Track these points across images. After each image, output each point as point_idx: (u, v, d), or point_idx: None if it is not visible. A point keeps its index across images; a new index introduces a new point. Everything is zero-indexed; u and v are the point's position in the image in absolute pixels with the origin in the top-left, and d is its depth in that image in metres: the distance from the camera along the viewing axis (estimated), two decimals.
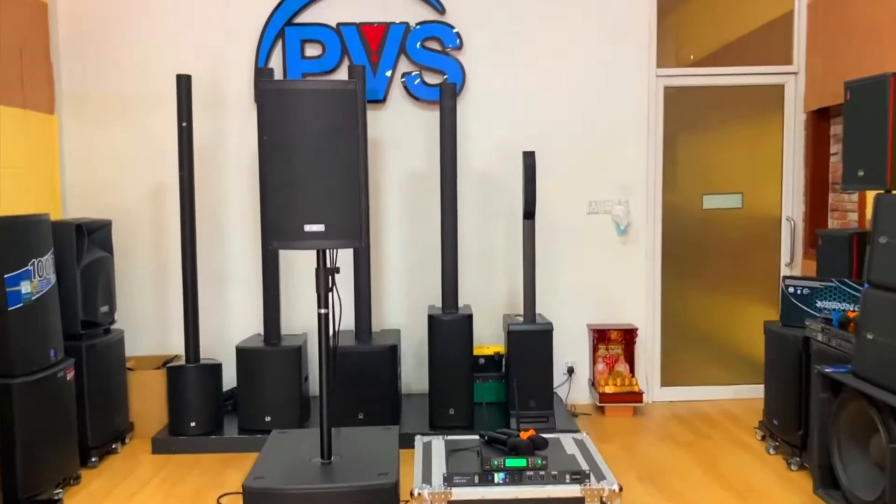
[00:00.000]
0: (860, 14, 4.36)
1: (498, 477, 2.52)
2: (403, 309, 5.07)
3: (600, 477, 2.57)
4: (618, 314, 5.13)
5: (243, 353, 4.38)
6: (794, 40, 5.05)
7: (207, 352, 4.86)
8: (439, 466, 2.70)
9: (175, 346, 5.00)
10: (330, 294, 2.65)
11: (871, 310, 3.06)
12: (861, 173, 3.48)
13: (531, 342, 4.40)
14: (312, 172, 2.43)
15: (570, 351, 5.13)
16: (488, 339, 5.05)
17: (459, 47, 4.91)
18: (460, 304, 4.81)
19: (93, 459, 4.06)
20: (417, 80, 4.91)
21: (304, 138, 2.41)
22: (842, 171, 3.63)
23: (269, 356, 4.36)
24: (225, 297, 5.02)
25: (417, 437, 3.02)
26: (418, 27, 4.88)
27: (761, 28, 5.08)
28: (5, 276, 3.34)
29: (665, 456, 4.15)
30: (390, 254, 5.05)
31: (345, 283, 4.91)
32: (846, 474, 3.18)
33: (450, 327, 4.36)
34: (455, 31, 4.89)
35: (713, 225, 5.17)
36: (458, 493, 2.49)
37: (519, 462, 2.52)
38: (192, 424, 4.32)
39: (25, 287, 3.43)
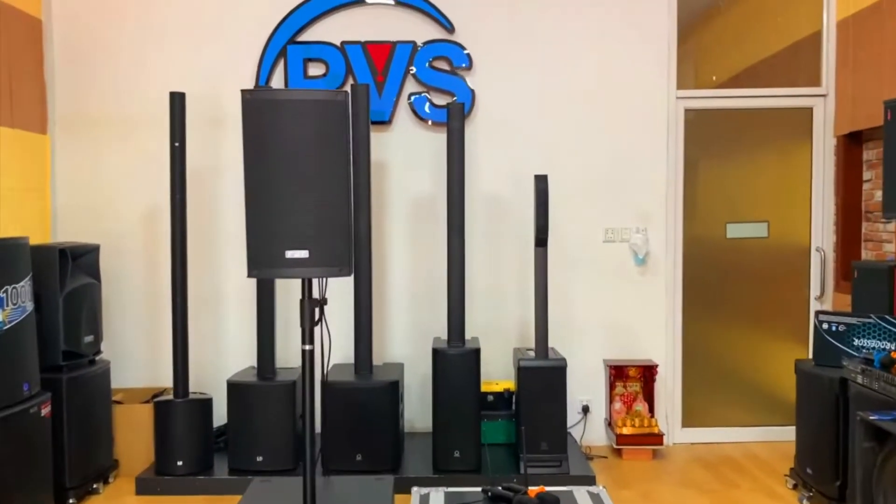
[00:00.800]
0: (894, 32, 4.09)
1: None
2: (407, 340, 4.79)
3: None
4: (636, 349, 4.82)
5: (235, 388, 4.11)
6: (823, 61, 4.79)
7: (199, 385, 4.61)
8: None
9: (166, 377, 4.73)
10: (318, 327, 2.37)
11: None
12: None
13: (543, 379, 4.09)
14: (296, 193, 2.17)
15: (586, 388, 4.81)
16: (497, 374, 4.75)
17: (469, 67, 4.69)
18: (468, 335, 4.52)
19: (70, 502, 3.78)
20: (426, 103, 4.68)
21: (289, 154, 2.16)
22: (882, 197, 3.33)
23: (261, 392, 4.08)
24: (218, 326, 4.76)
25: (414, 489, 2.72)
26: (426, 46, 4.66)
27: (787, 49, 4.83)
28: None
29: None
30: (394, 282, 4.78)
31: (344, 313, 4.65)
32: None
33: (456, 362, 4.07)
34: (464, 50, 4.67)
35: (737, 255, 4.86)
36: None
37: None
38: (180, 463, 4.04)
39: None
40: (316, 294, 2.38)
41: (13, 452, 3.24)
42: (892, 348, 3.46)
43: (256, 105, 2.13)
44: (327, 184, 2.17)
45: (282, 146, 2.15)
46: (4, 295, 3.23)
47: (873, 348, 3.57)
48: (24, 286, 3.38)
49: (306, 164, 2.15)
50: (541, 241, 4.11)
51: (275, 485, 2.67)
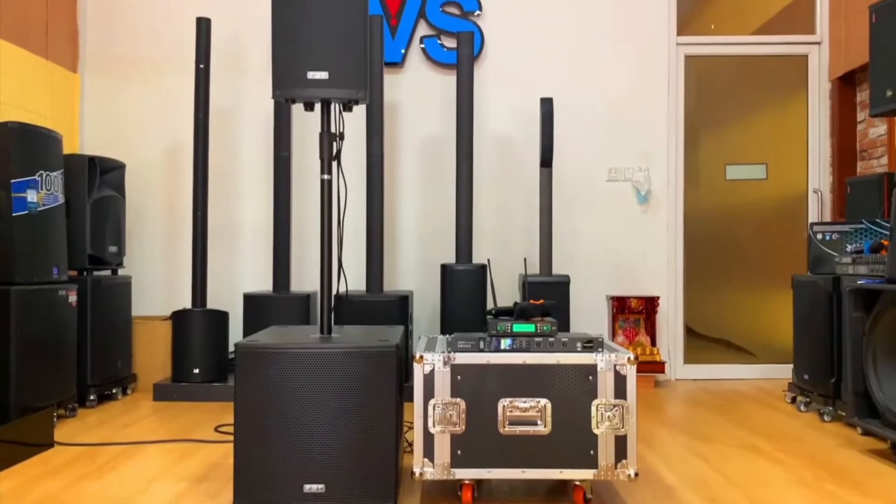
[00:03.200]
0: None
1: (504, 343, 2.36)
2: (417, 273, 4.95)
3: (612, 349, 2.40)
4: (638, 286, 4.95)
5: (251, 300, 4.27)
6: (817, 10, 5.01)
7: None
8: (443, 343, 2.55)
9: (183, 305, 4.90)
10: (333, 163, 2.55)
11: None
12: (889, 93, 3.36)
13: (548, 295, 4.24)
14: (317, 21, 2.38)
15: (589, 323, 4.94)
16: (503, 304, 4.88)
17: (479, 12, 4.93)
18: None
19: (91, 398, 3.93)
20: (437, 45, 4.91)
21: None
22: (869, 96, 3.51)
23: (276, 303, 4.24)
24: (236, 256, 4.94)
25: (421, 335, 2.87)
26: None
27: (785, 9, 5.04)
28: (12, 181, 3.31)
29: (692, 414, 3.92)
30: (405, 218, 4.96)
31: (357, 244, 4.84)
32: (882, 392, 2.95)
33: (463, 277, 4.22)
34: None
35: (737, 196, 5.03)
36: (462, 358, 2.33)
37: (527, 327, 2.36)
38: (196, 371, 4.19)
39: (31, 196, 3.39)
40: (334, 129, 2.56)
41: (42, 329, 3.40)
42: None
43: None
44: (345, 12, 2.38)
45: None
46: (39, 178, 3.44)
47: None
48: (57, 177, 3.58)
49: None
50: (546, 160, 4.30)
51: (292, 328, 2.82)
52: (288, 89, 2.40)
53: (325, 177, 2.54)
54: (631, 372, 2.31)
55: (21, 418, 3.00)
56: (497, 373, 2.31)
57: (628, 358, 2.31)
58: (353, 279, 4.88)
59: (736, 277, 5.02)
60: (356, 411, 2.31)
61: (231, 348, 4.66)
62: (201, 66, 4.25)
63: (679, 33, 5.00)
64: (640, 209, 4.96)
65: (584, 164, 4.95)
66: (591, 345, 2.35)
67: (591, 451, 2.30)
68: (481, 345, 2.36)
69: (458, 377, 2.31)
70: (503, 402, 2.31)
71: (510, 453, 2.30)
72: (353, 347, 2.32)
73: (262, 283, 4.91)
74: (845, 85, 4.86)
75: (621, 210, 4.95)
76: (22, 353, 3.26)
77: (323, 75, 2.38)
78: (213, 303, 4.88)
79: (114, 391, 4.16)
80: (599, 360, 2.31)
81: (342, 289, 4.51)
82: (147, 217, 4.93)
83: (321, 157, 2.53)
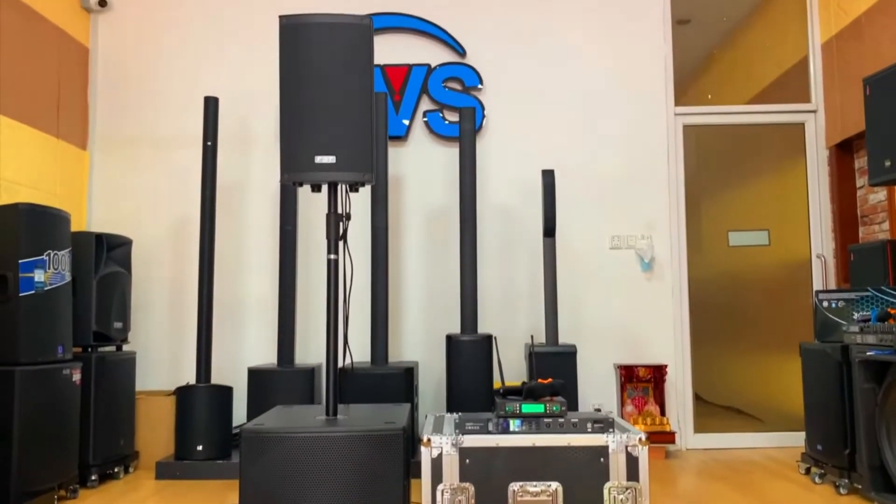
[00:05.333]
0: (873, 46, 4.43)
1: (514, 424, 2.33)
2: (421, 344, 4.93)
3: (623, 429, 2.37)
4: (645, 354, 4.92)
5: (255, 375, 4.24)
6: (811, 80, 5.12)
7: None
8: (451, 423, 2.52)
9: (187, 380, 4.87)
10: (340, 243, 2.58)
11: None
12: (888, 163, 3.41)
13: (555, 366, 4.21)
14: (324, 105, 2.43)
15: (597, 393, 4.89)
16: (510, 378, 4.85)
17: (480, 87, 5.04)
18: None
19: (93, 478, 3.87)
20: (440, 119, 5.01)
21: (318, 70, 2.44)
22: (868, 165, 3.55)
23: (281, 378, 4.21)
24: (240, 330, 4.92)
25: (428, 413, 2.83)
26: (440, 68, 5.03)
27: (779, 78, 5.16)
28: (20, 261, 3.33)
29: (706, 489, 3.84)
30: (409, 289, 4.96)
31: (361, 315, 4.84)
32: None
33: (469, 349, 4.20)
34: (476, 71, 5.04)
35: (741, 262, 5.04)
36: (471, 441, 2.30)
37: (536, 408, 2.34)
38: (199, 448, 4.13)
39: (39, 276, 3.41)
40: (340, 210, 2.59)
41: (45, 410, 3.37)
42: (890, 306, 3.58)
43: (291, 27, 2.43)
44: (352, 98, 2.43)
45: (312, 63, 2.43)
46: (47, 258, 3.46)
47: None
48: (65, 256, 3.60)
49: (333, 79, 2.42)
50: (549, 231, 4.33)
51: (296, 408, 2.80)
52: (296, 173, 2.44)
53: (332, 256, 2.55)
54: (643, 453, 2.27)
55: (22, 503, 2.95)
56: (507, 455, 2.28)
57: (640, 438, 2.28)
58: (357, 350, 4.85)
59: (743, 344, 4.99)
60: (362, 495, 2.27)
61: (235, 424, 4.61)
62: (209, 143, 4.33)
63: (677, 103, 5.09)
64: (645, 277, 4.96)
65: (587, 233, 4.98)
66: (602, 425, 2.32)
67: None
68: (490, 426, 2.33)
69: (467, 461, 2.28)
70: (513, 487, 2.26)
71: None
72: (359, 431, 2.29)
73: (267, 356, 4.89)
74: (843, 152, 4.93)
75: (626, 278, 4.96)
76: (24, 435, 3.23)
77: (330, 159, 2.42)
78: (217, 377, 4.85)
79: (115, 470, 4.09)
80: (610, 441, 2.28)
81: (347, 362, 4.48)
82: (153, 292, 4.94)
83: (328, 237, 2.55)
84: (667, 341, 4.92)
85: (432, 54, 5.07)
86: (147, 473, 4.25)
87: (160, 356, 4.90)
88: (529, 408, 2.34)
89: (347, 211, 2.60)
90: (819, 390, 3.82)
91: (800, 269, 5.02)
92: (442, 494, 2.27)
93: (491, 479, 2.27)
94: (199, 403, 4.15)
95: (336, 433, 2.29)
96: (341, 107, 2.44)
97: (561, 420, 2.32)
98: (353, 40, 2.43)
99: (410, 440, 2.74)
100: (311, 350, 4.89)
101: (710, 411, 4.96)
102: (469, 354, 4.20)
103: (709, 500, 3.52)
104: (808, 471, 4.02)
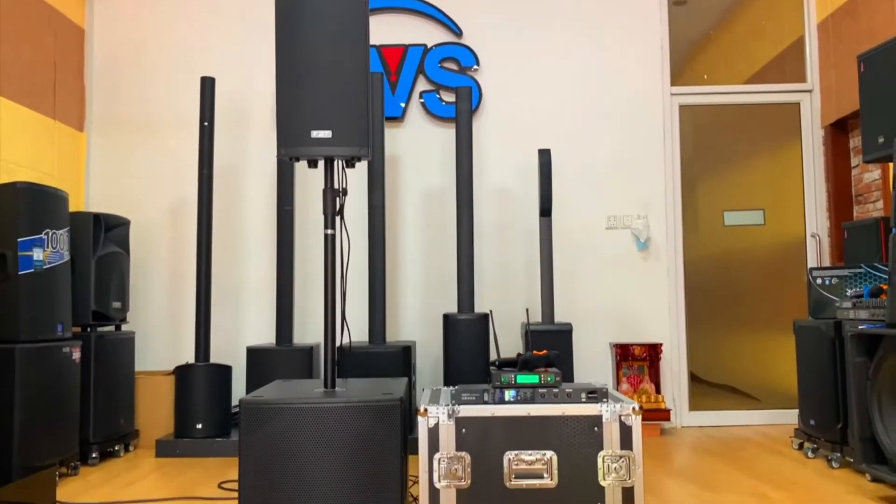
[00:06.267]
0: (868, 24, 4.43)
1: (509, 394, 2.36)
2: (419, 325, 4.96)
3: (617, 399, 2.41)
4: (641, 333, 4.96)
5: (254, 354, 4.27)
6: (807, 60, 5.12)
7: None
8: (447, 395, 2.55)
9: (186, 361, 4.91)
10: (336, 218, 2.60)
11: None
12: (881, 140, 3.43)
13: (551, 344, 4.24)
14: (320, 79, 2.45)
15: (593, 371, 4.93)
16: (506, 356, 4.88)
17: (476, 67, 5.05)
18: None
19: (93, 456, 3.91)
20: (436, 100, 5.01)
21: (313, 45, 2.45)
22: (861, 142, 3.57)
23: (280, 356, 4.25)
24: (239, 310, 4.95)
25: (424, 387, 2.87)
26: (436, 48, 5.04)
27: (776, 58, 5.17)
28: (18, 239, 3.35)
29: (699, 463, 3.89)
30: (406, 270, 4.99)
31: (359, 295, 4.86)
32: (889, 438, 2.94)
33: (466, 327, 4.23)
34: (472, 51, 5.04)
35: (736, 242, 5.07)
36: (467, 410, 2.33)
37: (531, 378, 2.37)
38: (199, 426, 4.16)
39: (38, 254, 3.43)
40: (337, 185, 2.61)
41: (46, 387, 3.40)
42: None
43: (287, 0, 2.44)
44: (347, 70, 2.45)
45: (308, 37, 2.44)
46: (45, 237, 3.48)
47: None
48: (63, 235, 3.62)
49: (329, 53, 2.44)
50: (545, 210, 4.35)
51: (295, 382, 2.83)
52: (292, 148, 2.45)
53: (329, 232, 2.58)
54: (636, 422, 2.31)
55: (24, 478, 2.98)
56: (502, 425, 2.31)
57: (633, 408, 2.31)
58: (355, 330, 4.89)
59: (738, 323, 5.03)
60: (361, 465, 2.31)
61: (234, 403, 4.65)
62: (205, 123, 4.34)
63: (673, 84, 5.10)
64: (641, 256, 4.99)
65: (584, 213, 5.00)
66: (596, 395, 2.35)
67: None
68: (485, 397, 2.37)
69: (463, 430, 2.31)
70: (509, 455, 2.30)
71: None
72: (357, 402, 2.32)
73: (265, 336, 4.92)
74: (838, 131, 4.94)
75: (622, 257, 4.99)
76: (25, 411, 3.26)
77: (326, 134, 2.43)
78: (216, 357, 4.88)
79: (116, 448, 4.13)
80: (604, 410, 2.31)
81: (345, 341, 4.52)
82: (151, 273, 4.96)
83: (324, 213, 2.57)
84: (662, 320, 4.96)
85: (428, 34, 5.07)
86: (147, 452, 4.29)
87: (159, 337, 4.93)
88: (524, 378, 2.37)
89: (344, 186, 2.61)
90: (812, 366, 3.86)
91: (795, 249, 5.05)
92: (439, 463, 2.30)
93: (487, 447, 2.30)
94: (199, 382, 4.19)
95: (334, 404, 2.32)
96: (337, 81, 2.45)
97: (555, 390, 2.35)
98: (349, 13, 2.45)
99: (408, 414, 2.77)
100: (309, 331, 4.93)
101: (705, 390, 5.01)
102: (466, 333, 4.23)
103: (703, 474, 3.57)
104: (801, 446, 4.06)
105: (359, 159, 2.51)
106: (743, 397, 5.00)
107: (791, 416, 4.86)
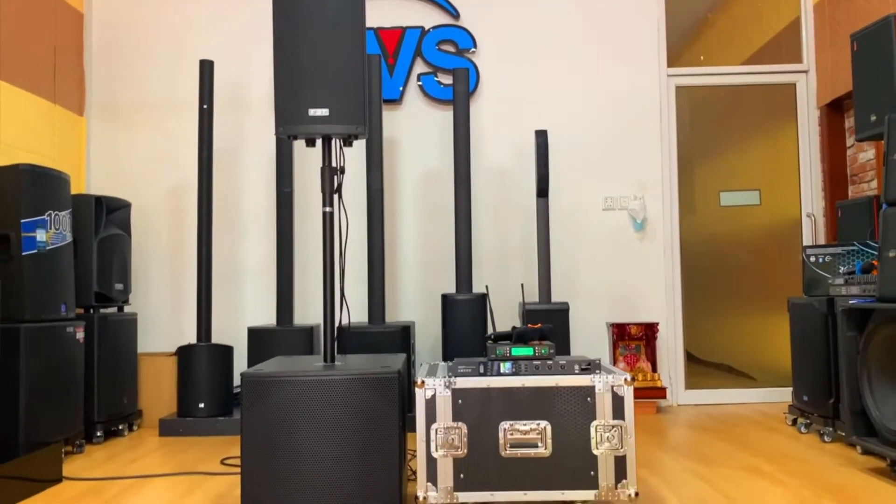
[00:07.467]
0: (863, 5, 4.46)
1: (504, 366, 2.42)
2: (418, 305, 5.01)
3: (610, 371, 2.46)
4: (637, 313, 5.01)
5: (255, 334, 4.33)
6: (803, 40, 5.14)
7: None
8: (444, 368, 2.60)
9: (188, 342, 4.96)
10: (335, 196, 2.64)
11: (891, 228, 2.96)
12: (874, 118, 3.46)
13: (548, 322, 4.29)
14: (318, 59, 2.48)
15: (590, 350, 4.99)
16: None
17: (473, 49, 5.07)
18: None
19: (98, 435, 3.97)
20: (433, 82, 5.04)
21: (310, 25, 2.48)
22: (854, 121, 3.61)
23: (280, 336, 4.30)
24: (240, 291, 5.01)
25: (422, 362, 2.92)
26: (433, 30, 5.06)
27: (772, 39, 5.19)
28: (21, 220, 3.39)
29: (693, 438, 3.95)
30: (406, 251, 5.04)
31: (359, 276, 4.92)
32: (879, 411, 3.00)
33: (464, 307, 4.28)
34: (469, 33, 5.06)
35: (732, 222, 5.11)
36: (463, 382, 2.39)
37: (526, 351, 2.42)
38: (201, 406, 4.23)
39: (41, 235, 3.48)
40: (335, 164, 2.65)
41: (50, 366, 3.46)
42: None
43: None
44: (344, 49, 2.49)
45: (305, 14, 2.48)
46: (48, 218, 3.53)
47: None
48: (65, 217, 3.67)
49: (326, 32, 2.47)
50: (542, 191, 4.39)
51: (296, 358, 2.88)
52: (290, 126, 2.49)
53: (327, 209, 2.62)
54: (628, 393, 2.36)
55: (30, 454, 3.04)
56: (497, 396, 2.37)
57: (625, 379, 2.37)
58: (355, 310, 4.94)
59: (734, 302, 5.08)
60: (360, 437, 2.36)
61: (236, 382, 4.71)
62: (205, 106, 4.37)
63: (669, 65, 5.13)
64: (637, 237, 5.04)
65: (580, 194, 5.05)
66: (589, 367, 2.40)
67: (592, 472, 2.34)
68: (481, 369, 2.42)
69: (460, 401, 2.37)
70: (504, 426, 2.36)
71: (512, 476, 2.35)
72: (356, 374, 2.38)
73: (266, 317, 4.98)
74: (833, 112, 4.97)
75: (618, 238, 5.03)
76: (31, 389, 3.32)
77: (324, 112, 2.47)
78: (217, 338, 4.94)
79: (120, 427, 4.19)
80: (597, 381, 2.37)
81: (344, 320, 4.57)
82: (152, 256, 5.02)
83: (323, 191, 2.62)
84: (658, 300, 5.01)
85: (426, 17, 5.10)
86: (151, 431, 4.36)
87: (160, 319, 4.98)
88: (519, 351, 2.42)
89: (342, 165, 2.66)
90: (806, 343, 3.91)
91: (790, 228, 5.10)
92: (436, 433, 2.36)
93: (482, 418, 2.36)
94: (201, 362, 4.25)
95: (334, 376, 2.38)
96: (334, 60, 2.49)
97: (549, 362, 2.40)
98: None
99: (406, 390, 2.83)
100: (309, 311, 4.98)
101: (701, 370, 5.07)
102: (464, 313, 4.29)
103: (697, 449, 3.63)
104: (794, 422, 4.13)
105: (356, 137, 2.55)
106: (739, 376, 5.06)
107: (787, 395, 4.93)
